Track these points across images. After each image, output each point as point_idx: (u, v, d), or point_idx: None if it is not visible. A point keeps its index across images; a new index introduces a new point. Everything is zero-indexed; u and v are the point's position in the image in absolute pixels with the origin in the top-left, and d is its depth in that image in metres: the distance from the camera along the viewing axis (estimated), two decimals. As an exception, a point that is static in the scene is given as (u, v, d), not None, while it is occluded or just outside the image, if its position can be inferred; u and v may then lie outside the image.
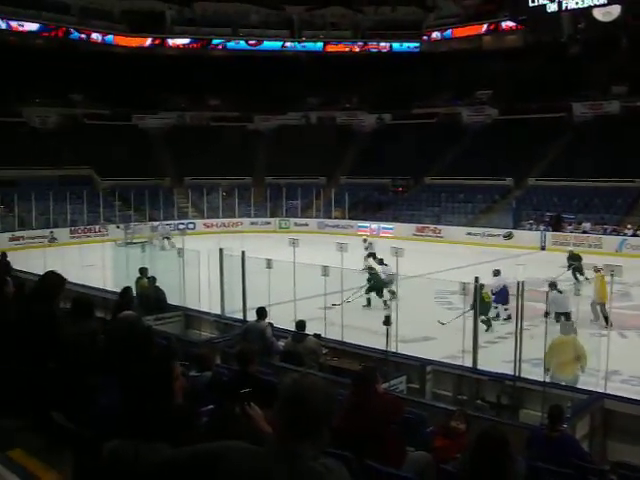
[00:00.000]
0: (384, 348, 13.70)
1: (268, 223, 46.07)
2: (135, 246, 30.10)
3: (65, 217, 41.04)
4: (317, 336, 13.84)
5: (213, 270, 18.94)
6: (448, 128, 50.49)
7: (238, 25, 57.46)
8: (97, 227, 40.59)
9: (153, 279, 19.30)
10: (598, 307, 19.53)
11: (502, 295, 19.64)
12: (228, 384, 7.28)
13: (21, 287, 10.67)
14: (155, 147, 51.95)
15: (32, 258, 24.70)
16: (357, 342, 14.82)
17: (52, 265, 12.58)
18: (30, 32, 51.78)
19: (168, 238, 34.25)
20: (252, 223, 45.72)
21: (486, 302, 18.36)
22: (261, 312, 14.07)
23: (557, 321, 16.36)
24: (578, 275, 25.46)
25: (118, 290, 20.75)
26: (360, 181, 48.39)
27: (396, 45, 56.99)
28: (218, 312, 18.44)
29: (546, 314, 14.90)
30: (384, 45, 57.49)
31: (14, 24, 50.72)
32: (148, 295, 18.75)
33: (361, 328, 16.36)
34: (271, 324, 14.15)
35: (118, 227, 37.87)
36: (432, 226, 41.76)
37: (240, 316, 17.53)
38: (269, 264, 19.04)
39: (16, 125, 47.90)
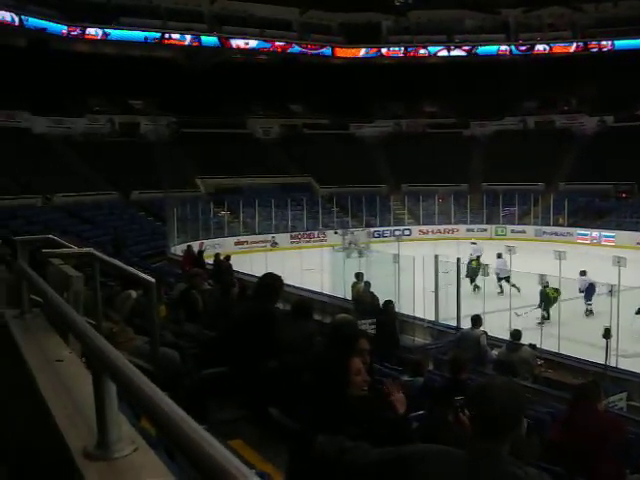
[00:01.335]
0: (603, 362, 13.22)
1: (484, 230, 45.29)
2: (352, 251, 30.83)
3: (286, 223, 42.62)
4: (532, 346, 13.58)
5: (428, 276, 19.05)
6: (677, 129, 47.33)
7: (453, 31, 57.19)
8: (316, 233, 41.84)
9: (368, 284, 19.69)
10: None
11: (589, 292, 20.78)
12: (439, 391, 7.35)
13: (244, 289, 11.34)
14: (372, 155, 52.71)
15: (255, 262, 25.90)
16: (574, 355, 14.39)
17: (273, 268, 13.23)
18: (252, 49, 54.43)
19: (354, 244, 34.61)
20: (468, 230, 45.12)
21: (550, 298, 19.41)
22: (476, 320, 14.00)
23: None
24: None
25: (335, 294, 21.52)
26: (580, 187, 46.37)
27: (619, 42, 54.16)
28: (432, 318, 18.53)
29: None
30: (605, 43, 54.86)
31: (241, 43, 53.50)
32: (364, 300, 19.18)
33: (579, 340, 15.84)
34: (486, 332, 14.04)
35: (336, 233, 38.88)
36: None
37: (454, 323, 17.51)
38: (485, 271, 18.90)
39: (242, 136, 50.62)
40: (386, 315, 14.59)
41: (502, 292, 23.00)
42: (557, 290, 19.64)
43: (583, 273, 21.18)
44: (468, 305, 17.96)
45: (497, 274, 23.67)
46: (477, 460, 2.49)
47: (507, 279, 22.85)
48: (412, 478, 2.55)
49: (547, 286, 19.68)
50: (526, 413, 2.73)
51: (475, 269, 24.46)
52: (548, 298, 19.78)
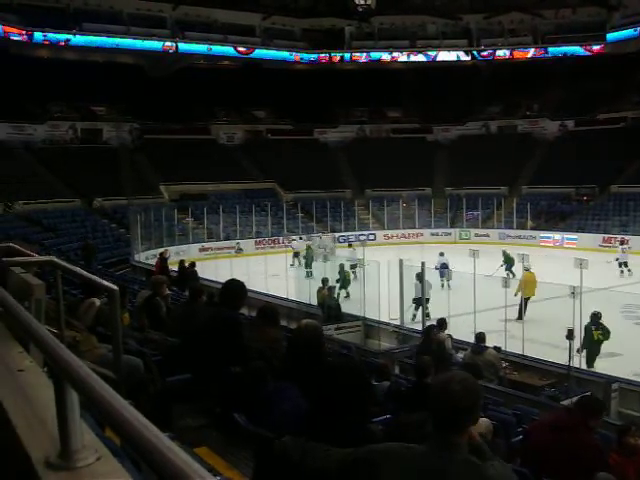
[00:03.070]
0: (566, 363, 13.34)
1: (448, 234, 45.56)
2: (319, 255, 30.86)
3: (250, 229, 42.56)
4: (497, 349, 13.68)
5: (393, 281, 19.09)
6: (637, 133, 48.01)
7: (416, 37, 57.44)
8: (281, 238, 41.73)
9: (332, 289, 19.75)
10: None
11: (442, 271, 23.65)
12: (405, 395, 7.37)
13: (211, 296, 11.30)
14: (336, 160, 52.87)
15: (220, 268, 25.78)
16: (538, 356, 14.51)
17: (238, 274, 13.18)
18: (215, 54, 54.05)
19: (324, 248, 34.66)
20: (432, 234, 45.39)
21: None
22: (441, 323, 14.07)
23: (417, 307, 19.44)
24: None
25: (300, 300, 21.51)
26: (543, 190, 47.03)
27: (578, 48, 54.83)
28: (398, 322, 18.58)
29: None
30: (566, 49, 55.50)
31: (203, 48, 53.16)
32: (329, 305, 19.22)
33: (543, 342, 15.97)
34: (451, 336, 14.12)
35: (301, 238, 38.87)
36: (619, 236, 39.85)
37: (419, 327, 17.57)
38: (449, 275, 19.01)
39: (205, 142, 50.43)
40: (427, 342, 13.83)
41: (356, 278, 24.35)
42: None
43: (442, 254, 25.24)
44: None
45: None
46: (438, 452, 2.55)
47: (353, 267, 24.88)
48: (376, 476, 2.55)
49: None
50: (490, 414, 2.77)
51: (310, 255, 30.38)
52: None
